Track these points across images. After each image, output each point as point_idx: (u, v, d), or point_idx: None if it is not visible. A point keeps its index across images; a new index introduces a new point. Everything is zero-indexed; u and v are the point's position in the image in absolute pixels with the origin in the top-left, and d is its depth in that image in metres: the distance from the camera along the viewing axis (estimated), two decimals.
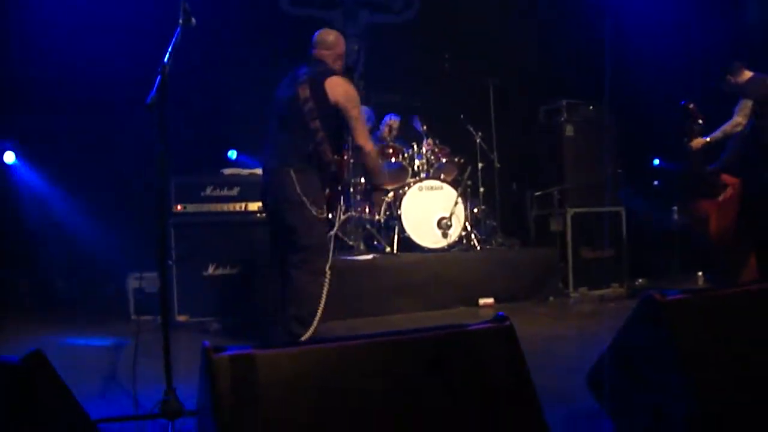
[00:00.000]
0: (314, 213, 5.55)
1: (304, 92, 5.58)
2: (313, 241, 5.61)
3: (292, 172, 5.53)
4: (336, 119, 5.70)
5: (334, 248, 5.91)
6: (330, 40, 5.97)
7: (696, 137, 7.78)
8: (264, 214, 6.85)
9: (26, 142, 9.07)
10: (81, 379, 5.22)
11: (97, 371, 5.63)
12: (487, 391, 2.66)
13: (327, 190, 5.83)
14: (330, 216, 5.91)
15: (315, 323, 5.60)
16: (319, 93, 5.60)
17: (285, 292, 5.68)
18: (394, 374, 2.57)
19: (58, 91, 8.89)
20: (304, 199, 5.51)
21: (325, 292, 5.67)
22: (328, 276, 5.68)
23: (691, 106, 7.74)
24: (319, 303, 5.65)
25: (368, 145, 5.90)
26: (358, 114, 5.80)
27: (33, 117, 8.93)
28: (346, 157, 5.83)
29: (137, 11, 8.83)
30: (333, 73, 5.77)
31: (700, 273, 9.34)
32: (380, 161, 6.09)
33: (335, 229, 5.99)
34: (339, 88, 5.67)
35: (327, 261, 5.72)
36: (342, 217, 6.38)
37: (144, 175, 6.37)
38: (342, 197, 6.12)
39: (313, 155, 5.60)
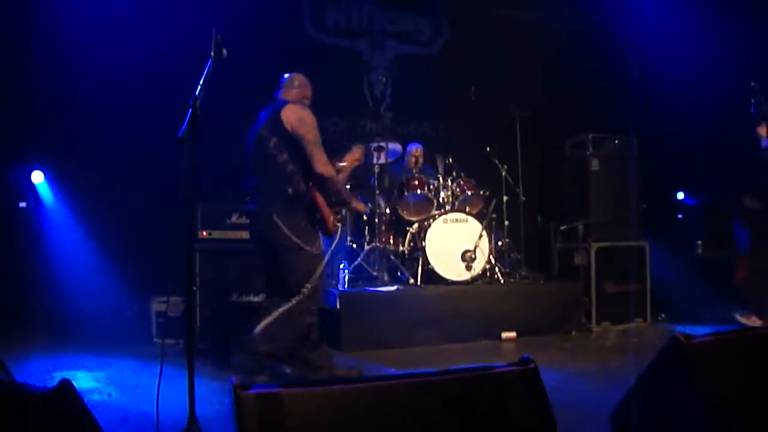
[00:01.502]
0: (310, 251, 5.68)
1: (265, 130, 5.79)
2: (303, 279, 5.69)
3: (276, 218, 5.65)
4: (301, 148, 5.76)
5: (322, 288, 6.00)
6: (296, 82, 6.21)
7: (764, 120, 7.53)
8: None
9: (54, 163, 9.14)
10: (105, 405, 5.27)
11: (120, 395, 5.66)
12: None
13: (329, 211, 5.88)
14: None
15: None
16: (277, 124, 5.75)
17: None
18: (419, 415, 2.57)
19: (86, 114, 8.96)
20: (298, 241, 5.66)
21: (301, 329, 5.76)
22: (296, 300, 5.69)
23: (759, 87, 7.50)
24: (287, 335, 5.74)
25: (328, 171, 5.83)
26: (313, 138, 5.81)
27: (61, 139, 9.00)
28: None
29: (168, 39, 8.91)
30: (284, 104, 5.88)
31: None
32: (343, 184, 6.22)
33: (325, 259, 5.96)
34: (292, 114, 5.78)
35: (316, 302, 5.83)
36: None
37: (171, 199, 6.43)
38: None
39: (293, 195, 5.71)
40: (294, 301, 5.65)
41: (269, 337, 5.62)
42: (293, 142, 5.73)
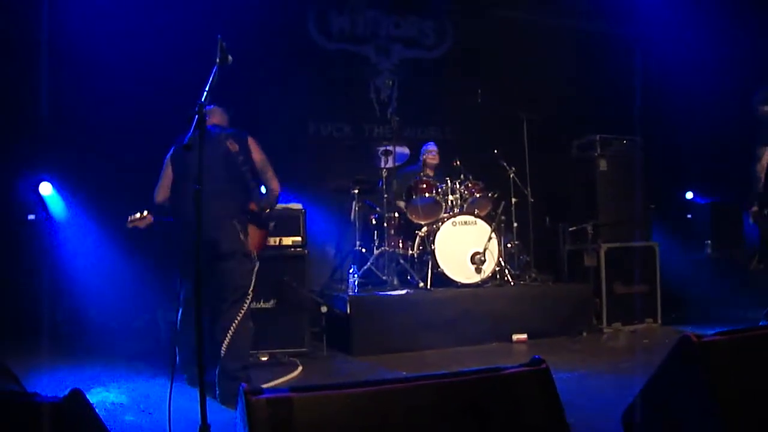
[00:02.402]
0: (251, 261, 6.04)
1: (233, 147, 6.04)
2: (249, 286, 5.98)
3: (237, 224, 5.91)
4: (255, 171, 6.20)
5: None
6: (218, 115, 6.54)
7: None
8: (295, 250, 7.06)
9: (62, 174, 9.16)
10: (117, 414, 5.28)
11: (131, 404, 5.67)
12: None
13: (260, 232, 6.51)
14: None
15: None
16: (245, 148, 6.12)
17: (212, 339, 5.79)
18: (431, 417, 2.57)
19: (92, 124, 8.98)
20: (245, 248, 5.96)
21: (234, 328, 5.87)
22: (241, 315, 5.89)
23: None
24: (249, 345, 6.01)
25: (279, 189, 6.37)
26: (270, 165, 6.31)
27: (68, 150, 9.02)
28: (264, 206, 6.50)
29: (174, 47, 8.93)
30: (247, 133, 6.31)
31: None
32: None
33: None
34: (257, 149, 6.25)
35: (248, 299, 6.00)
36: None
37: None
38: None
39: (248, 209, 6.16)
40: (243, 309, 5.85)
41: (234, 355, 5.74)
42: (252, 165, 6.13)
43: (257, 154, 6.20)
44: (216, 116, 6.40)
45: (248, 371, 5.82)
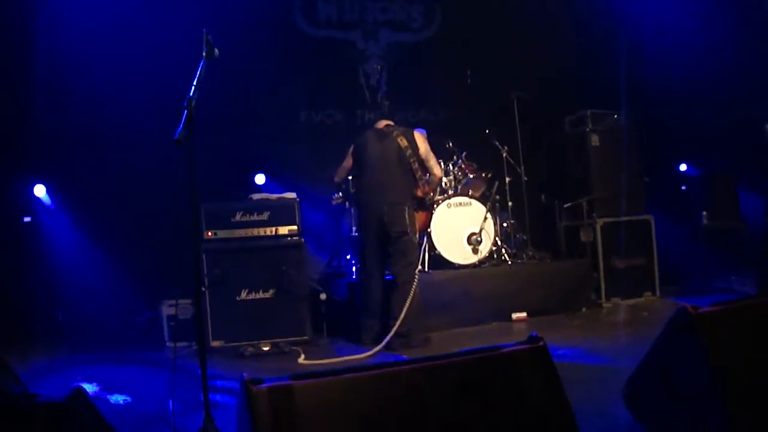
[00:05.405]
0: (414, 239, 7.49)
1: (403, 142, 7.49)
2: (414, 257, 7.51)
3: (407, 209, 7.36)
4: (420, 161, 7.64)
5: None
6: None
7: None
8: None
9: (55, 175, 9.15)
10: (120, 408, 5.29)
11: (135, 399, 5.67)
12: (522, 412, 2.67)
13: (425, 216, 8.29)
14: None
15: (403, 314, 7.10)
16: (413, 143, 7.58)
17: (386, 295, 7.45)
18: (430, 400, 2.58)
19: (88, 121, 8.96)
20: (410, 230, 7.37)
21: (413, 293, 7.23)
22: (416, 281, 7.33)
23: None
24: (408, 299, 7.16)
25: (440, 174, 8.30)
26: (433, 157, 7.91)
27: (63, 148, 9.00)
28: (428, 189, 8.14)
29: (161, 41, 8.91)
30: (413, 129, 7.95)
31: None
32: None
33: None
34: (422, 141, 7.75)
35: (418, 269, 7.56)
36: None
37: (174, 202, 6.43)
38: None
39: (415, 195, 7.75)
40: (416, 279, 7.29)
41: (408, 316, 7.10)
42: (419, 157, 7.61)
43: (422, 146, 7.67)
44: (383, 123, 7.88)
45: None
